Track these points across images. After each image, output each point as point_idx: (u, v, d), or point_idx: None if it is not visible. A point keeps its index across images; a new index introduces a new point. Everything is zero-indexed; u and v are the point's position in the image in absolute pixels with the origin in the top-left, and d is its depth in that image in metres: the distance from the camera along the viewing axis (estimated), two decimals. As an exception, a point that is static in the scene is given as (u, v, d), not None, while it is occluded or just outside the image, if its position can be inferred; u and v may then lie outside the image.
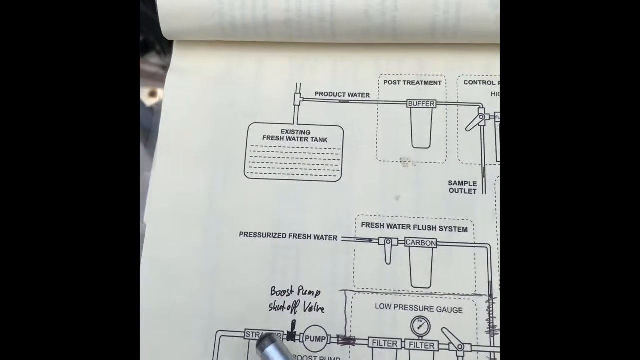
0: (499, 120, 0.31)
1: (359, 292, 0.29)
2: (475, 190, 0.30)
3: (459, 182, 0.30)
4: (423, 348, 0.28)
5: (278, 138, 0.32)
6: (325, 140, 0.32)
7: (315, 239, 0.30)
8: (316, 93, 0.33)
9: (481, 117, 0.32)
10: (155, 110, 0.34)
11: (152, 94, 0.36)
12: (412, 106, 0.32)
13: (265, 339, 0.26)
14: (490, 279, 0.29)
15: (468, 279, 0.29)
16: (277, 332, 0.28)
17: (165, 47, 0.36)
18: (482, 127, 0.31)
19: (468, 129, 0.31)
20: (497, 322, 0.28)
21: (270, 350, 0.26)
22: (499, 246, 0.29)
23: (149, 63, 0.37)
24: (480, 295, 0.28)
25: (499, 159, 0.31)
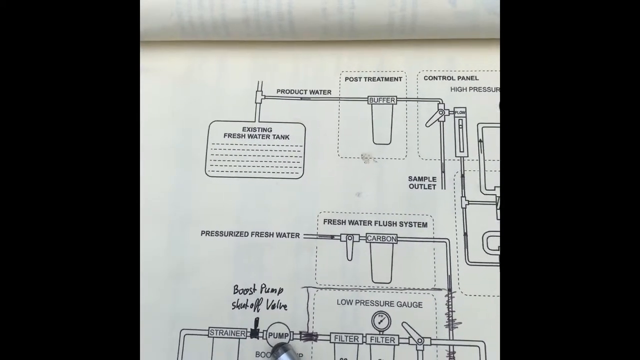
0: (458, 115, 0.32)
1: (321, 288, 0.29)
2: (434, 185, 0.30)
3: (418, 177, 0.31)
4: (384, 342, 0.28)
5: (239, 136, 0.32)
6: (287, 137, 0.32)
7: (277, 236, 0.30)
8: (278, 90, 0.33)
9: (441, 112, 0.32)
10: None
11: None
12: (373, 102, 0.32)
13: (279, 348, 0.28)
14: (449, 273, 0.29)
15: (427, 273, 0.29)
16: (241, 330, 0.29)
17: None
18: (441, 123, 0.31)
19: (428, 124, 0.32)
20: (456, 316, 0.28)
21: (284, 358, 0.27)
22: (457, 241, 0.29)
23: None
24: (440, 289, 0.29)
25: (458, 155, 0.31)
